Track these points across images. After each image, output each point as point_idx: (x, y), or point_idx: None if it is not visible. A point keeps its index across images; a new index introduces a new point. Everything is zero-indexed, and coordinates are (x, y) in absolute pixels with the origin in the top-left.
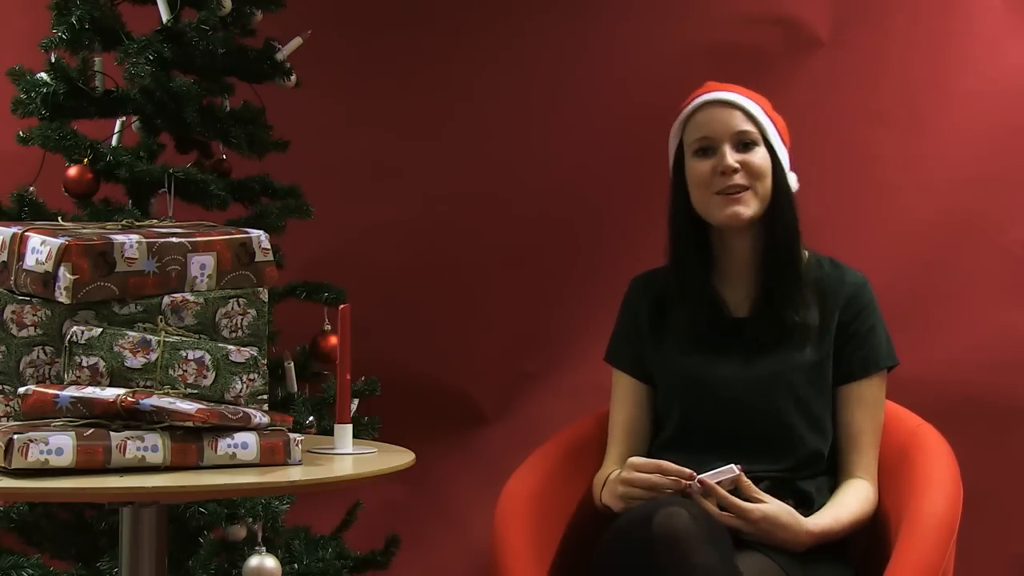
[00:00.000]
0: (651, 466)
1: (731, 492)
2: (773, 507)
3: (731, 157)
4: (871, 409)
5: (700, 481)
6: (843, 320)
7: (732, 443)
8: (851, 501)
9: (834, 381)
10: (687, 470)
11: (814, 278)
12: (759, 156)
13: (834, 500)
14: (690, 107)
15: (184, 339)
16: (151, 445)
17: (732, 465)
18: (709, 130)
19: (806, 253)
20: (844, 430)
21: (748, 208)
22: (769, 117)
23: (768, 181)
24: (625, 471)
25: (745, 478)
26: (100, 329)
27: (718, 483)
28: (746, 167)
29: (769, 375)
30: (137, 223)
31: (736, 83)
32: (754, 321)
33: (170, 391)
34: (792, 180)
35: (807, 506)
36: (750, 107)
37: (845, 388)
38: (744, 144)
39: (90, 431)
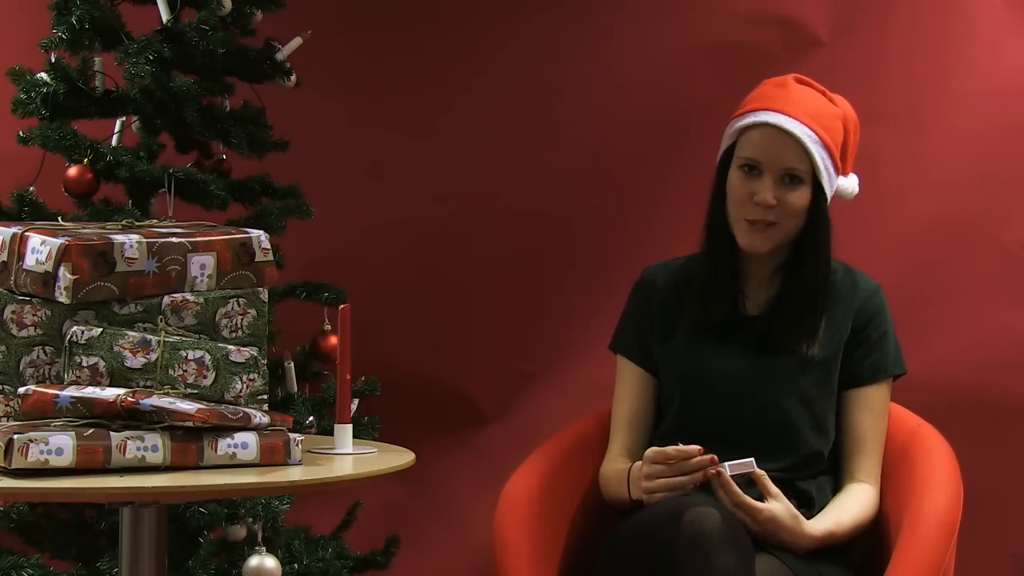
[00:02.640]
0: (663, 456)
1: (746, 484)
2: (779, 508)
3: (770, 192)
4: (876, 414)
5: (718, 472)
6: (855, 326)
7: (731, 438)
8: (852, 505)
9: (840, 384)
10: (705, 457)
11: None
12: (798, 195)
13: (836, 503)
14: (751, 120)
15: (184, 339)
16: (151, 445)
17: (752, 459)
18: (759, 154)
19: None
20: (848, 434)
21: (768, 243)
22: (826, 146)
23: (800, 219)
24: (645, 466)
25: (760, 471)
26: (100, 329)
27: (734, 475)
28: (782, 204)
29: (773, 371)
30: (137, 223)
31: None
32: (765, 320)
33: (170, 391)
34: (851, 184)
35: (808, 506)
36: (808, 142)
37: (852, 392)
38: (789, 179)
39: (90, 431)
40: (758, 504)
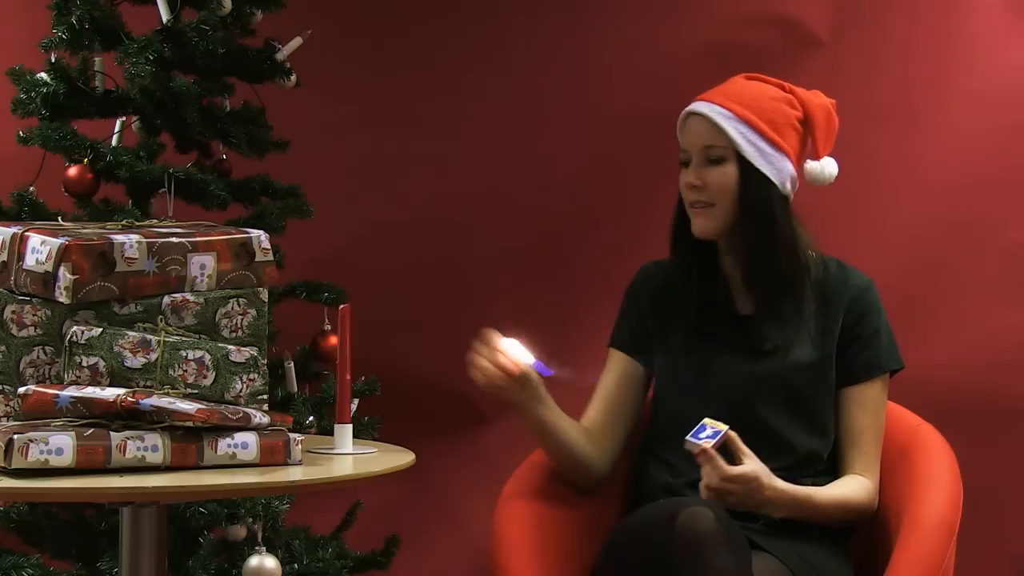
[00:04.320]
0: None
1: (720, 450)
2: (758, 466)
3: (692, 174)
4: (872, 411)
5: (703, 451)
6: (847, 322)
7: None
8: (842, 486)
9: (837, 383)
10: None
11: (818, 279)
12: (719, 174)
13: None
14: (681, 116)
15: (184, 339)
16: (151, 445)
17: (710, 420)
18: (685, 143)
19: (812, 254)
20: (846, 431)
21: (709, 222)
22: (747, 122)
23: (730, 199)
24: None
25: (733, 434)
26: (100, 329)
27: (709, 442)
28: (707, 185)
29: (767, 374)
30: (137, 223)
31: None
32: (757, 320)
33: (170, 391)
34: (819, 167)
35: None
36: (718, 119)
37: (847, 390)
38: (710, 158)
39: (90, 431)
40: (742, 469)
